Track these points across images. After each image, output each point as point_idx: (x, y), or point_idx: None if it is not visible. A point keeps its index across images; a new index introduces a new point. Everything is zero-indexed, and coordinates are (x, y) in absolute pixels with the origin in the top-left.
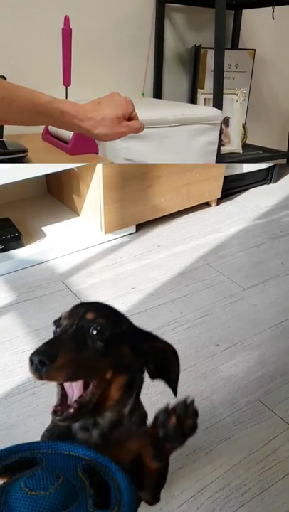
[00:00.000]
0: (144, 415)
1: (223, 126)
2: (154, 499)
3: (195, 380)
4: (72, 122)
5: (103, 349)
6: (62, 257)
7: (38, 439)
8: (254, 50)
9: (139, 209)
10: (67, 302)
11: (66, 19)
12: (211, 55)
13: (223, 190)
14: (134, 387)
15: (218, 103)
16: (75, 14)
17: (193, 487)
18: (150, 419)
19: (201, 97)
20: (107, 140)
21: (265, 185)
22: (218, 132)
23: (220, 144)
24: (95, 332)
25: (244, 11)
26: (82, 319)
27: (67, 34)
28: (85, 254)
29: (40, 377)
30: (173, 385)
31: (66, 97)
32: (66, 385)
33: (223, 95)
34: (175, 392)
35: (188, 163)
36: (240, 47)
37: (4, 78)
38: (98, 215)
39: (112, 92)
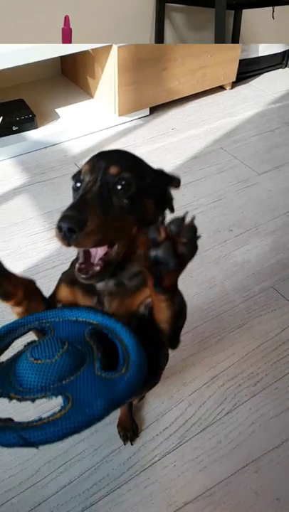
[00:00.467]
0: None
1: None
2: (172, 342)
3: (208, 266)
4: None
5: (129, 206)
6: (76, 139)
7: None
8: None
9: (154, 92)
10: None
11: (66, 19)
12: None
13: (238, 74)
14: None
15: None
16: (75, 14)
17: (204, 375)
18: None
19: None
20: None
21: (281, 69)
22: None
23: None
24: (119, 187)
25: (244, 11)
26: (106, 174)
27: (67, 34)
28: (98, 136)
29: (69, 245)
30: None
31: None
32: None
33: None
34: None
35: (204, 44)
36: None
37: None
38: (112, 98)
39: None
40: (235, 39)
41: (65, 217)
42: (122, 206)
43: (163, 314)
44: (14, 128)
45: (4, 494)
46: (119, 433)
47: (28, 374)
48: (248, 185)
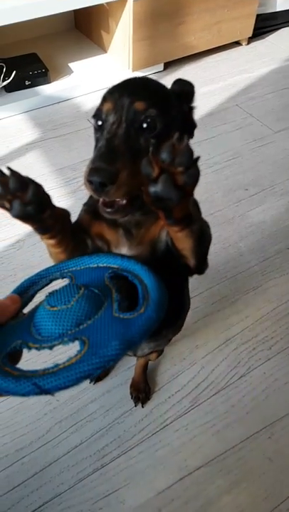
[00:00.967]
0: (194, 202)
1: None
2: (199, 267)
3: (222, 226)
4: None
5: (156, 145)
6: (89, 94)
7: None
8: None
9: (169, 46)
10: (92, 141)
11: None
12: None
13: (255, 29)
14: None
15: None
16: None
17: (218, 338)
18: None
19: None
20: None
21: None
22: None
23: None
24: (145, 125)
25: None
26: (131, 113)
27: None
28: None
29: (99, 196)
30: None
31: None
32: None
33: None
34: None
35: None
36: None
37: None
38: (126, 52)
39: None
40: None
41: (95, 171)
42: (148, 146)
43: (183, 243)
44: (27, 82)
45: (15, 453)
46: (131, 394)
47: (45, 322)
48: (264, 143)
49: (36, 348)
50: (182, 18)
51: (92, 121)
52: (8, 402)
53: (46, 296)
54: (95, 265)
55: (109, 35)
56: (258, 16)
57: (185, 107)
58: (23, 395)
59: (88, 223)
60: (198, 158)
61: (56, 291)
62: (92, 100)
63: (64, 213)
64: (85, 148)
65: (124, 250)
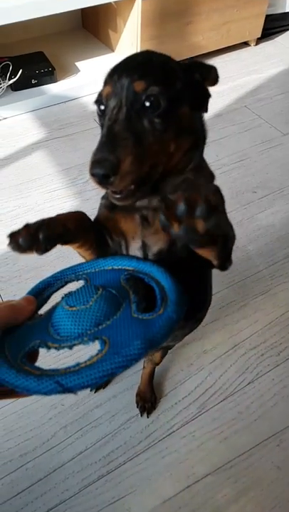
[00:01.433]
0: (212, 174)
1: None
2: (222, 266)
3: None
4: None
5: (162, 125)
6: (96, 93)
7: None
8: None
9: (177, 46)
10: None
11: None
12: None
13: (263, 30)
14: (198, 145)
15: None
16: None
17: (226, 343)
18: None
19: None
20: None
21: None
22: None
23: None
24: (148, 104)
25: None
26: (131, 94)
27: None
28: None
29: (105, 188)
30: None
31: None
32: None
33: None
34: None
35: None
36: None
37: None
38: (134, 52)
39: None
40: None
41: (97, 163)
42: (154, 128)
43: (206, 254)
44: (33, 81)
45: (19, 459)
46: (137, 403)
47: (64, 322)
48: (273, 145)
49: (56, 348)
50: (191, 17)
51: (95, 107)
52: (13, 405)
53: (63, 297)
54: (110, 267)
55: (117, 35)
56: (267, 16)
57: (197, 76)
58: (45, 393)
59: (106, 217)
60: (216, 207)
61: (74, 291)
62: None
63: (79, 218)
64: (91, 148)
65: (140, 243)
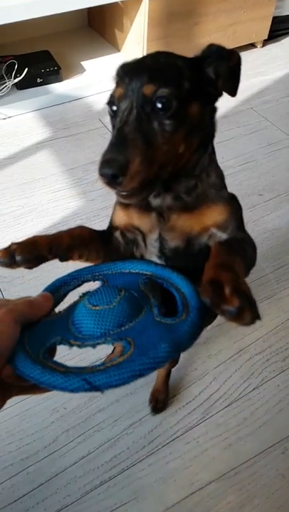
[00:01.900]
0: (221, 175)
1: None
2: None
3: None
4: None
5: (172, 126)
6: (101, 93)
7: None
8: None
9: (183, 47)
10: (104, 141)
11: None
12: None
13: (270, 32)
14: (208, 144)
15: None
16: None
17: (231, 347)
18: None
19: None
20: None
21: None
22: None
23: None
24: (159, 105)
25: None
26: (141, 96)
27: None
28: None
29: (114, 189)
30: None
31: None
32: None
33: None
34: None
35: (237, 0)
36: None
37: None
38: (140, 52)
39: None
40: None
41: (106, 163)
42: (164, 129)
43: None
44: (39, 80)
45: (20, 462)
46: (150, 401)
47: (86, 321)
48: (279, 148)
49: (78, 346)
50: (198, 18)
51: (107, 108)
52: (14, 408)
53: (83, 295)
54: (127, 271)
55: (123, 34)
56: (273, 18)
57: (210, 71)
58: (72, 390)
59: (120, 215)
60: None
61: (97, 291)
62: (104, 100)
63: (76, 235)
64: (96, 149)
65: (157, 234)
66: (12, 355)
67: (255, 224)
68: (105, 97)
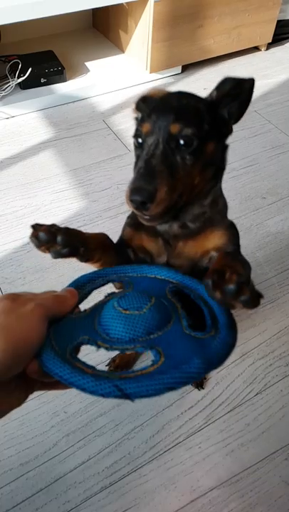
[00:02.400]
0: (226, 204)
1: None
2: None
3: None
4: None
5: (192, 160)
6: (105, 94)
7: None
8: None
9: (187, 49)
10: (107, 142)
11: None
12: None
13: (274, 35)
14: (217, 177)
15: None
16: None
17: (234, 352)
18: None
19: None
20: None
21: None
22: None
23: None
24: (182, 142)
25: None
26: (167, 134)
27: None
28: (128, 93)
29: (141, 213)
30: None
31: None
32: None
33: None
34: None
35: (243, 2)
36: None
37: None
38: (144, 53)
39: None
40: None
41: (136, 191)
42: (185, 163)
43: None
44: (42, 80)
45: (19, 467)
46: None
47: (115, 324)
48: (283, 151)
49: (106, 348)
50: (202, 20)
51: (133, 139)
52: (14, 412)
53: (108, 296)
54: (153, 276)
55: (128, 35)
56: (277, 22)
57: (224, 112)
58: (102, 395)
59: (131, 236)
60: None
61: (127, 294)
62: (108, 101)
63: (100, 240)
64: (99, 150)
65: (164, 259)
66: (39, 351)
67: (258, 227)
68: (110, 98)
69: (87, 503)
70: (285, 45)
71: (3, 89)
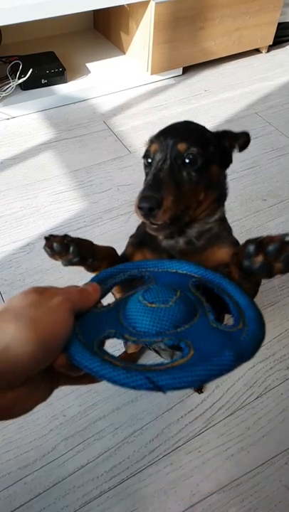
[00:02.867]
0: (229, 228)
1: None
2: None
3: (239, 236)
4: None
5: (197, 177)
6: (106, 95)
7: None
8: None
9: (188, 51)
10: (107, 144)
11: None
12: None
13: (275, 38)
14: (222, 199)
15: None
16: None
17: None
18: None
19: None
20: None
21: None
22: None
23: None
24: (188, 161)
25: None
26: (174, 151)
27: None
28: (128, 94)
29: (148, 220)
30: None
31: None
32: None
33: None
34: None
35: (244, 5)
36: None
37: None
38: (145, 55)
39: None
40: None
41: (144, 198)
42: (191, 179)
43: (249, 290)
44: (43, 81)
45: (17, 472)
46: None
47: (141, 317)
48: (283, 153)
49: (134, 341)
50: (203, 22)
51: (143, 160)
52: None
53: (133, 291)
54: (174, 270)
55: (129, 37)
56: (278, 24)
57: (225, 142)
58: (134, 387)
59: (131, 254)
60: None
61: (151, 288)
62: (109, 102)
63: (108, 252)
64: (99, 151)
65: None
66: (67, 345)
67: (258, 229)
68: (110, 99)
69: (85, 507)
70: (286, 47)
71: (4, 90)
